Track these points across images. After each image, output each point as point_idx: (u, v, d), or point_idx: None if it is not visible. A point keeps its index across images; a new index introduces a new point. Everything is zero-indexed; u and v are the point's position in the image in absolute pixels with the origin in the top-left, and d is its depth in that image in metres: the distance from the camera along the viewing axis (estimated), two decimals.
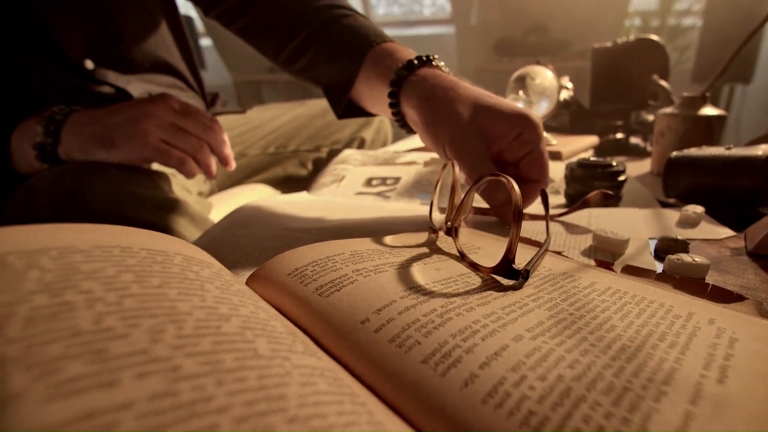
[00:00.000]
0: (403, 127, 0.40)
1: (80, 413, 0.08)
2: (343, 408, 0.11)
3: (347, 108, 0.45)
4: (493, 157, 0.34)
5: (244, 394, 0.10)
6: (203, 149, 0.44)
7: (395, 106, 0.38)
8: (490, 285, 0.21)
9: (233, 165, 0.48)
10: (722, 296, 0.21)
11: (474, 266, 0.23)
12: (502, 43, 2.35)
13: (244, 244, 0.33)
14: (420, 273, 0.22)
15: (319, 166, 0.80)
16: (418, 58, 0.38)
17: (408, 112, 0.37)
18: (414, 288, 0.19)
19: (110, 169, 0.43)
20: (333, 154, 0.78)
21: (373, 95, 0.42)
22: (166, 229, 0.45)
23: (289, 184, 0.78)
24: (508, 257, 0.21)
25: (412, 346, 0.15)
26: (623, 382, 0.13)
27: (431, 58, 0.38)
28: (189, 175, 0.44)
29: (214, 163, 0.46)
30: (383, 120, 0.89)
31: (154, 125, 0.42)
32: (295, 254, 0.23)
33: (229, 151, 0.47)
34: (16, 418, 0.08)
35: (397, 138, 0.96)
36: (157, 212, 0.45)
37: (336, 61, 0.44)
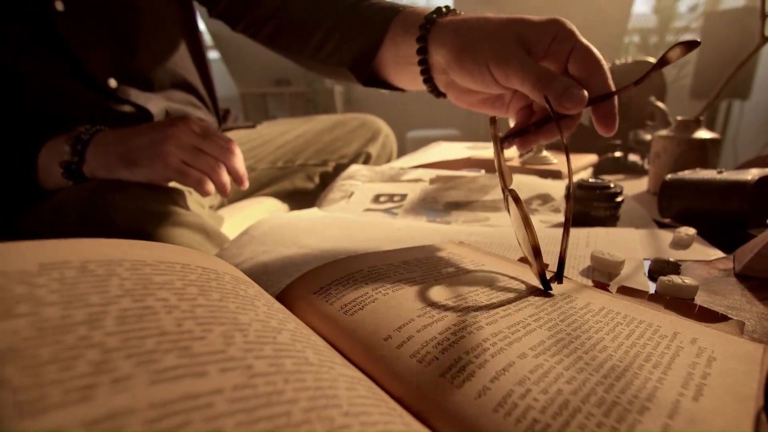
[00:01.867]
0: (428, 83, 0.40)
1: (181, 395, 0.11)
2: (381, 410, 0.13)
3: (370, 79, 0.47)
4: None
5: (306, 392, 0.12)
6: (220, 169, 0.47)
7: (423, 52, 0.38)
8: (495, 303, 0.23)
9: (246, 184, 0.51)
10: (708, 316, 0.23)
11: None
12: None
13: (264, 261, 0.35)
14: (433, 290, 0.24)
15: (326, 180, 0.82)
16: (446, 6, 0.39)
17: (436, 57, 0.37)
18: (429, 306, 0.21)
19: (132, 187, 0.45)
20: (339, 168, 0.81)
21: (399, 56, 0.42)
22: (184, 245, 0.47)
23: (296, 198, 0.81)
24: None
25: (431, 362, 0.17)
26: (613, 397, 0.15)
27: (457, 11, 0.39)
28: (205, 194, 0.46)
29: (229, 182, 0.48)
30: (389, 135, 0.92)
31: (174, 146, 0.44)
32: (318, 273, 0.25)
33: (243, 171, 0.50)
34: (127, 394, 0.10)
35: (401, 153, 0.98)
36: (176, 229, 0.47)
37: (362, 32, 0.45)
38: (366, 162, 0.86)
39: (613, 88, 0.32)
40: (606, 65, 0.32)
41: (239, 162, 0.49)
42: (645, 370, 0.17)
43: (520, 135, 0.34)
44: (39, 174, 0.47)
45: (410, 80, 0.43)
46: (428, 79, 0.40)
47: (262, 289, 0.20)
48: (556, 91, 0.30)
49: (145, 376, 0.11)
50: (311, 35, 0.51)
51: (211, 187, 0.47)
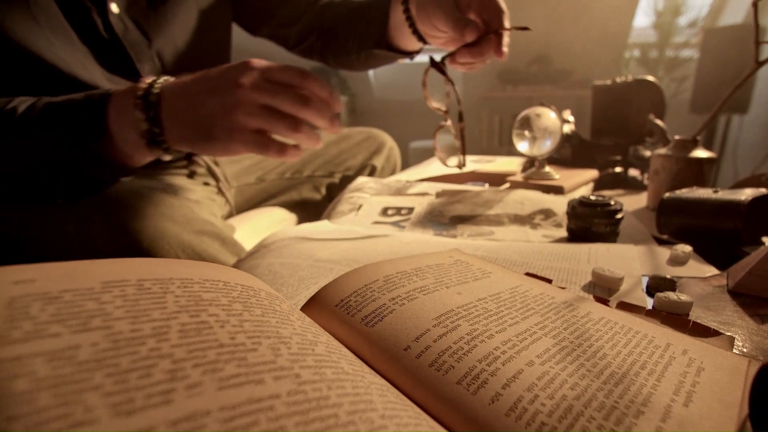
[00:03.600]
0: (415, 33, 0.55)
1: (246, 399, 0.13)
2: (409, 413, 0.15)
3: (391, 49, 0.62)
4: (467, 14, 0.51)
5: (347, 397, 0.14)
6: (301, 128, 0.43)
7: (407, 11, 0.54)
8: (504, 311, 0.25)
9: (340, 129, 0.47)
10: (701, 331, 0.25)
11: None
12: (506, 72, 2.44)
13: (281, 273, 0.37)
14: (444, 299, 0.25)
15: (332, 191, 0.84)
16: None
17: (414, 13, 0.53)
18: (442, 315, 0.23)
19: (152, 194, 0.47)
20: (345, 179, 0.83)
21: (397, 21, 0.57)
22: (203, 252, 0.49)
23: (303, 208, 0.83)
24: None
25: (448, 370, 0.19)
26: (612, 401, 0.17)
27: None
28: (291, 158, 0.44)
29: (315, 135, 0.45)
30: (393, 147, 0.94)
31: (246, 115, 0.41)
32: (338, 285, 0.27)
33: (330, 116, 0.45)
34: (201, 399, 0.12)
35: (404, 163, 1.01)
36: (196, 236, 0.49)
37: (375, 11, 0.61)
38: (371, 174, 0.88)
39: (507, 27, 0.50)
40: (504, 10, 0.49)
41: (323, 109, 0.44)
42: (641, 377, 0.18)
43: (450, 56, 0.53)
44: (114, 141, 0.42)
45: (409, 41, 0.58)
46: (414, 30, 0.55)
47: (292, 305, 0.22)
48: (462, 30, 0.48)
49: (213, 383, 0.13)
50: (351, 36, 0.65)
51: (293, 152, 0.44)
